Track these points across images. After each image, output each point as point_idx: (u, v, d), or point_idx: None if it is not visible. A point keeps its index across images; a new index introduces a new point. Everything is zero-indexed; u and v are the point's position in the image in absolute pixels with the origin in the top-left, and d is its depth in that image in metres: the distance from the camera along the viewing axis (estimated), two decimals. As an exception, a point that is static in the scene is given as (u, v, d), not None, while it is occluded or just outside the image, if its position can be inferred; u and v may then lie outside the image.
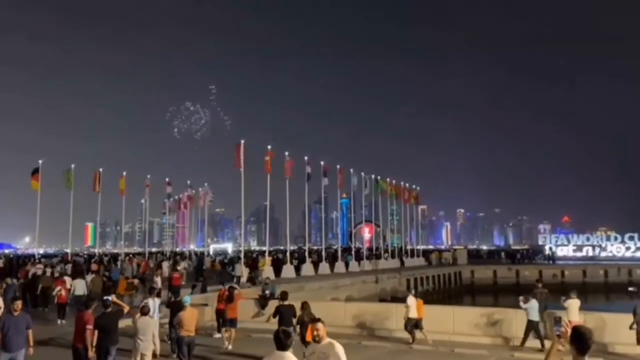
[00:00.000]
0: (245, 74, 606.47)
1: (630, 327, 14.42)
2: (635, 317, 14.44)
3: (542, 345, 15.21)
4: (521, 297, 16.29)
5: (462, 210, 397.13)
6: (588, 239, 67.86)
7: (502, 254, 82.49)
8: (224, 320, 16.55)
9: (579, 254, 65.45)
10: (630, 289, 15.47)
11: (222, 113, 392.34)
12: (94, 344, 10.75)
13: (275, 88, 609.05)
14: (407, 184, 59.41)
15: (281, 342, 5.45)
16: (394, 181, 55.85)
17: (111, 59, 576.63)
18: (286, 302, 14.37)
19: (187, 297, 14.79)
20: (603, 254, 64.18)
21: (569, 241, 68.28)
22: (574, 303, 15.83)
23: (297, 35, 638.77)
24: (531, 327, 15.53)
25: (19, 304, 10.34)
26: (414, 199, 61.27)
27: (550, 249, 66.89)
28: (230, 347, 15.80)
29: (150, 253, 67.99)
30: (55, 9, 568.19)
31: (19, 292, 20.96)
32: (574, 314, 15.51)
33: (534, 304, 15.77)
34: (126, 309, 12.77)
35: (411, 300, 16.88)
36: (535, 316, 15.61)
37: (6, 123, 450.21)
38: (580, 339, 4.38)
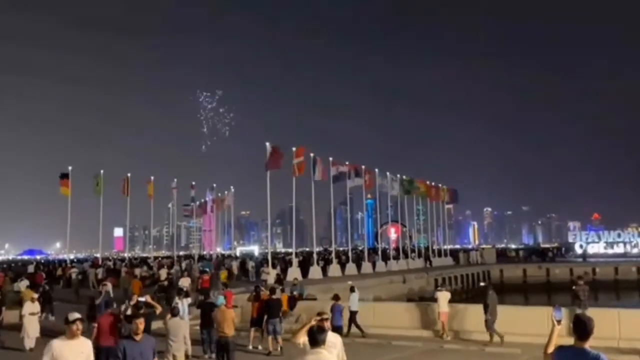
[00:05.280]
0: (265, 78, 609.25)
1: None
2: (485, 308, 15.98)
3: (362, 333, 17.46)
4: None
5: (489, 209, 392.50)
6: (619, 236, 66.57)
7: (520, 252, 76.70)
8: (252, 320, 16.60)
9: (610, 251, 64.15)
10: (482, 283, 17.65)
11: (230, 114, 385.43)
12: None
13: (297, 91, 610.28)
14: (433, 183, 58.87)
15: (315, 338, 5.33)
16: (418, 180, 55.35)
17: (130, 63, 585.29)
18: (274, 297, 16.22)
19: (221, 298, 14.88)
20: (635, 251, 62.79)
21: (599, 238, 67.09)
22: (442, 295, 17.69)
23: (314, 34, 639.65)
24: (352, 316, 17.90)
25: (140, 323, 7.46)
26: (446, 196, 60.46)
27: (581, 246, 65.77)
28: (259, 346, 15.88)
29: (179, 256, 68.54)
30: (70, 16, 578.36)
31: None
32: (443, 305, 17.44)
33: (354, 297, 18.21)
34: (159, 309, 12.90)
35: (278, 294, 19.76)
36: (355, 307, 18.04)
37: (37, 131, 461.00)
38: (581, 326, 4.64)
